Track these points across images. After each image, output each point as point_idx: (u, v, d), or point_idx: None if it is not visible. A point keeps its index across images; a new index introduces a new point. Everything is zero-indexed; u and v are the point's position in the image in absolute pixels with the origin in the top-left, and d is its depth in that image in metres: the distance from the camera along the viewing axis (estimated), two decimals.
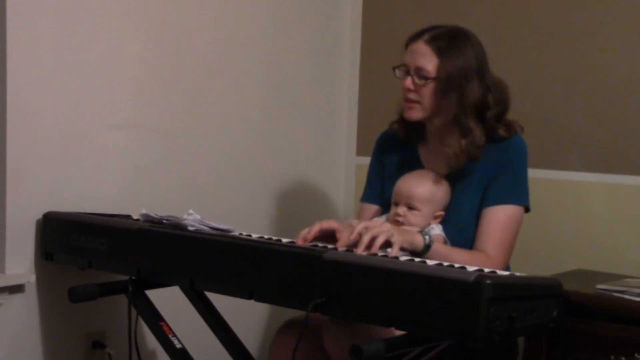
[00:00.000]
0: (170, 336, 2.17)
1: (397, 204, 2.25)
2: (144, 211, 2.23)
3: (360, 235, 1.95)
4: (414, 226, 2.20)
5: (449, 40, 2.23)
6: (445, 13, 3.00)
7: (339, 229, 2.11)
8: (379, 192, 2.43)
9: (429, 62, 2.21)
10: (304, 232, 2.08)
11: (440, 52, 2.21)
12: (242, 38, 2.87)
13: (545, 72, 2.85)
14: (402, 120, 2.36)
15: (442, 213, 2.24)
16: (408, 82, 2.24)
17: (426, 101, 2.23)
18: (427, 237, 2.06)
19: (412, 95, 2.24)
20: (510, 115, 2.33)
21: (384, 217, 2.31)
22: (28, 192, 2.30)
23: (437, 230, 2.21)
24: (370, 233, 1.94)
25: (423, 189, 2.22)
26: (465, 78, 2.20)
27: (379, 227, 1.97)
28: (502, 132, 2.24)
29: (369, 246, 1.92)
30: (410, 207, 2.22)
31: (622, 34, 2.70)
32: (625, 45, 2.70)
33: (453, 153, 2.23)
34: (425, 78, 2.21)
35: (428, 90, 2.22)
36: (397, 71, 2.29)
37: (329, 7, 3.23)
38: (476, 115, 2.22)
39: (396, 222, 2.22)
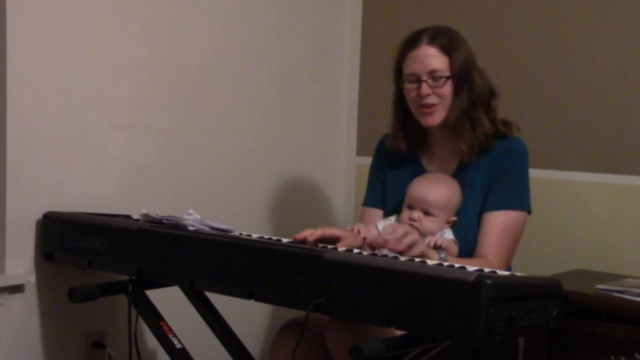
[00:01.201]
0: (170, 336, 2.17)
1: (411, 208, 2.23)
2: (144, 211, 2.23)
3: (385, 241, 1.95)
4: (428, 231, 2.19)
5: (447, 36, 2.24)
6: (444, 14, 3.00)
7: (342, 235, 2.11)
8: (381, 196, 2.43)
9: (441, 61, 2.21)
10: (306, 232, 2.07)
11: (446, 50, 2.21)
12: (242, 38, 2.87)
13: (545, 72, 2.85)
14: (402, 135, 2.34)
15: (455, 218, 2.24)
16: (425, 88, 2.21)
17: (446, 100, 2.22)
18: (442, 255, 2.06)
19: (431, 99, 2.21)
20: (511, 116, 2.33)
21: (393, 219, 2.30)
22: (28, 192, 2.30)
23: (448, 235, 2.20)
24: (403, 229, 1.95)
25: (440, 195, 2.21)
26: (471, 70, 2.22)
27: (408, 229, 1.98)
28: (501, 127, 2.25)
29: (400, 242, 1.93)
30: (426, 213, 2.21)
31: (622, 33, 2.70)
32: (625, 45, 2.69)
33: (466, 146, 2.23)
34: (443, 78, 2.21)
35: (447, 89, 2.21)
36: (404, 83, 2.26)
37: (329, 8, 3.23)
38: (484, 106, 2.24)
39: (410, 227, 2.21)
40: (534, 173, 2.35)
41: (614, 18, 2.72)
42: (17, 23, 2.23)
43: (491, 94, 2.27)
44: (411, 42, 2.25)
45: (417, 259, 1.94)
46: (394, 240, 1.93)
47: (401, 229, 1.97)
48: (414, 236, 1.96)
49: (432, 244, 2.08)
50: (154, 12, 2.59)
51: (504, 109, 2.34)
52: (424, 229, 2.20)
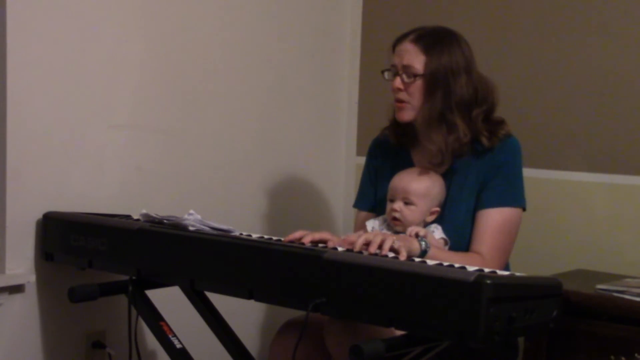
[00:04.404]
0: (170, 336, 2.17)
1: (392, 200, 2.24)
2: (144, 211, 2.23)
3: (365, 245, 1.94)
4: (410, 221, 2.19)
5: (434, 38, 2.25)
6: (444, 14, 3.00)
7: (331, 239, 2.12)
8: (372, 198, 2.43)
9: (416, 59, 2.22)
10: (297, 234, 2.10)
11: (426, 50, 2.22)
12: (242, 38, 2.87)
13: (545, 72, 2.85)
14: (394, 125, 2.37)
15: (437, 209, 2.24)
16: (397, 82, 2.25)
17: (415, 99, 2.24)
18: (423, 243, 2.06)
19: (401, 95, 2.25)
20: (511, 116, 2.32)
21: (380, 219, 2.30)
22: (28, 192, 2.30)
23: (437, 233, 2.20)
24: (380, 237, 1.94)
25: (419, 183, 2.22)
26: (452, 74, 2.21)
27: (382, 235, 1.97)
28: (484, 140, 2.24)
29: (379, 247, 1.92)
30: (407, 202, 2.21)
31: (623, 33, 2.70)
32: (625, 45, 2.69)
33: (437, 150, 2.25)
34: (414, 75, 2.22)
35: (416, 87, 2.23)
36: (386, 74, 2.31)
37: (329, 7, 3.23)
38: (463, 113, 2.23)
39: (393, 219, 2.22)
40: (534, 173, 2.35)
41: (615, 18, 2.72)
42: (17, 23, 2.23)
43: (478, 103, 2.25)
44: (401, 36, 2.29)
45: (417, 259, 1.95)
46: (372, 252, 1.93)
47: (361, 239, 1.96)
48: (381, 237, 1.95)
49: (412, 233, 2.08)
50: (154, 12, 2.59)
51: (504, 109, 2.34)
52: (405, 219, 2.20)
